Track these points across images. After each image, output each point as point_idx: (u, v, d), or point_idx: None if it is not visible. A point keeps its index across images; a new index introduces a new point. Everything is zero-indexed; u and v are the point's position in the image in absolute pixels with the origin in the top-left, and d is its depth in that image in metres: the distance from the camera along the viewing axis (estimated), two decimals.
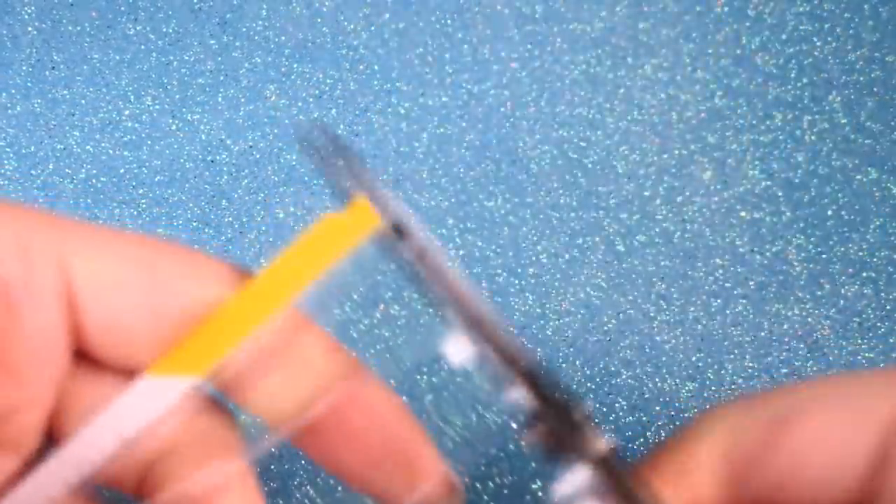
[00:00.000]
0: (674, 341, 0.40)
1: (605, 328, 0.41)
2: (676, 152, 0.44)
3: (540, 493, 0.38)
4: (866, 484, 0.19)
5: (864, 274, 0.41)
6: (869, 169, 0.43)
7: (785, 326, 0.40)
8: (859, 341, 0.40)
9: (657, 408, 0.39)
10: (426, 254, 0.20)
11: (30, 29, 0.47)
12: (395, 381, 0.25)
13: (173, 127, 0.45)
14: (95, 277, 0.19)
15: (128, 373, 0.21)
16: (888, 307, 0.40)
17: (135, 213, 0.43)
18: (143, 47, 0.46)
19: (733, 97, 0.45)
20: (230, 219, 0.43)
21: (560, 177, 0.43)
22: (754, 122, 0.44)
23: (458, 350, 0.21)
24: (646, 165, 0.43)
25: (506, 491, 0.38)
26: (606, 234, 0.42)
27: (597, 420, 0.22)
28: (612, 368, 0.40)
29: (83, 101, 0.45)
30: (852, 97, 0.45)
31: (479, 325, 0.20)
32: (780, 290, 0.41)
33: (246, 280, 0.21)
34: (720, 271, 0.41)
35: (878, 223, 0.42)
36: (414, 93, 0.45)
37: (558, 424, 0.20)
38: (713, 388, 0.39)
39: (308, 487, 0.33)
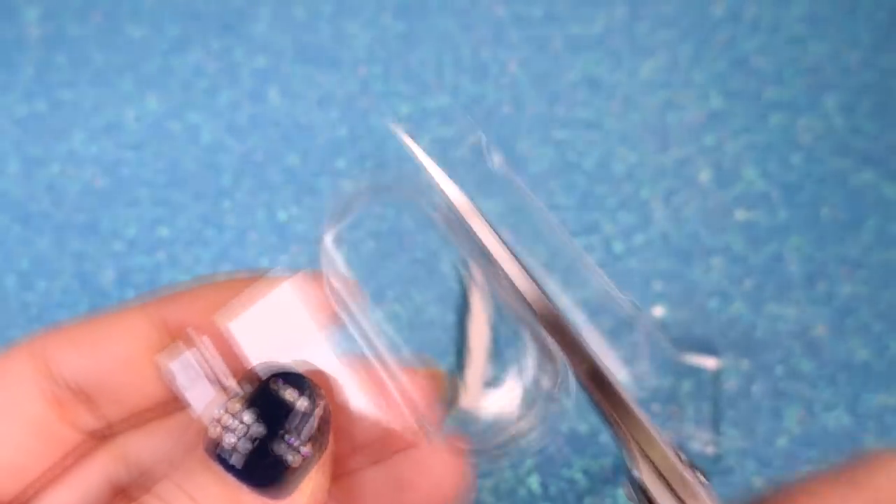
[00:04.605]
0: (671, 340, 0.40)
1: (603, 327, 0.41)
2: (673, 153, 0.44)
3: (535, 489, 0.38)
4: None
5: (859, 273, 0.41)
6: (863, 170, 0.43)
7: (781, 325, 0.40)
8: (854, 340, 0.40)
9: (655, 405, 0.39)
10: None
11: (34, 31, 0.47)
12: None
13: (176, 128, 0.45)
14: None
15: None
16: (883, 306, 0.41)
17: (137, 213, 0.43)
18: (145, 50, 0.47)
19: (730, 99, 0.45)
20: (232, 219, 0.43)
21: (559, 177, 0.44)
22: (750, 123, 0.45)
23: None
24: (643, 166, 0.44)
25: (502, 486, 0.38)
26: (605, 234, 0.42)
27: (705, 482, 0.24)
28: (610, 367, 0.40)
29: (87, 103, 0.46)
30: (847, 99, 0.45)
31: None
32: (775, 289, 0.41)
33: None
34: (717, 271, 0.42)
35: (872, 223, 0.42)
36: (414, 94, 0.46)
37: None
38: (709, 386, 0.40)
39: None
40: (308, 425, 0.21)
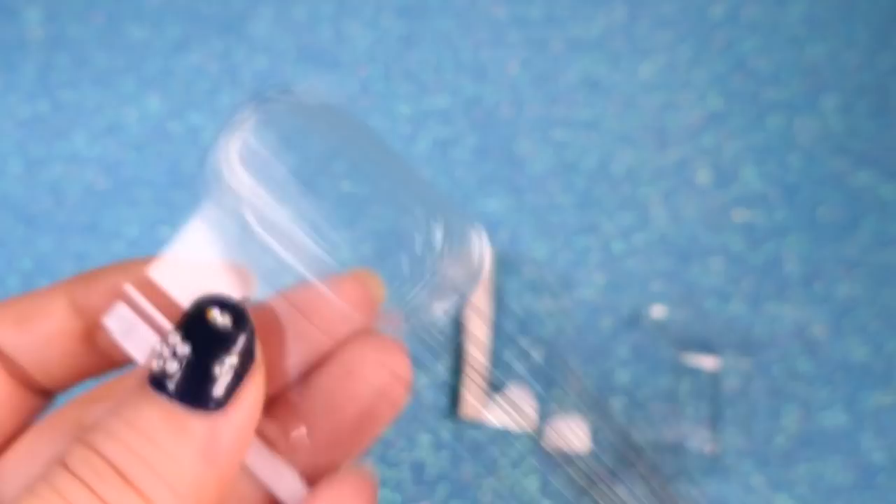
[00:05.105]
0: (671, 340, 0.41)
1: (603, 327, 0.41)
2: (672, 154, 0.44)
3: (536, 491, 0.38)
4: None
5: (857, 273, 0.42)
6: (861, 170, 0.44)
7: (779, 325, 0.41)
8: (852, 340, 0.40)
9: (655, 405, 0.39)
10: None
11: (36, 32, 0.47)
12: None
13: (177, 129, 0.45)
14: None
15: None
16: (880, 306, 0.41)
17: (139, 214, 0.44)
18: (147, 51, 0.47)
19: (728, 99, 0.45)
20: None
21: (558, 178, 0.44)
22: (749, 124, 0.45)
23: None
24: (642, 167, 0.44)
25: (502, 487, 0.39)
26: (604, 234, 0.43)
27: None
28: (610, 367, 0.40)
29: (88, 104, 0.46)
30: (845, 100, 0.45)
31: None
32: (774, 289, 0.41)
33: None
34: (715, 271, 0.42)
35: (869, 224, 0.42)
36: (414, 95, 0.46)
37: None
38: (708, 385, 0.40)
39: None
40: (233, 340, 0.23)
